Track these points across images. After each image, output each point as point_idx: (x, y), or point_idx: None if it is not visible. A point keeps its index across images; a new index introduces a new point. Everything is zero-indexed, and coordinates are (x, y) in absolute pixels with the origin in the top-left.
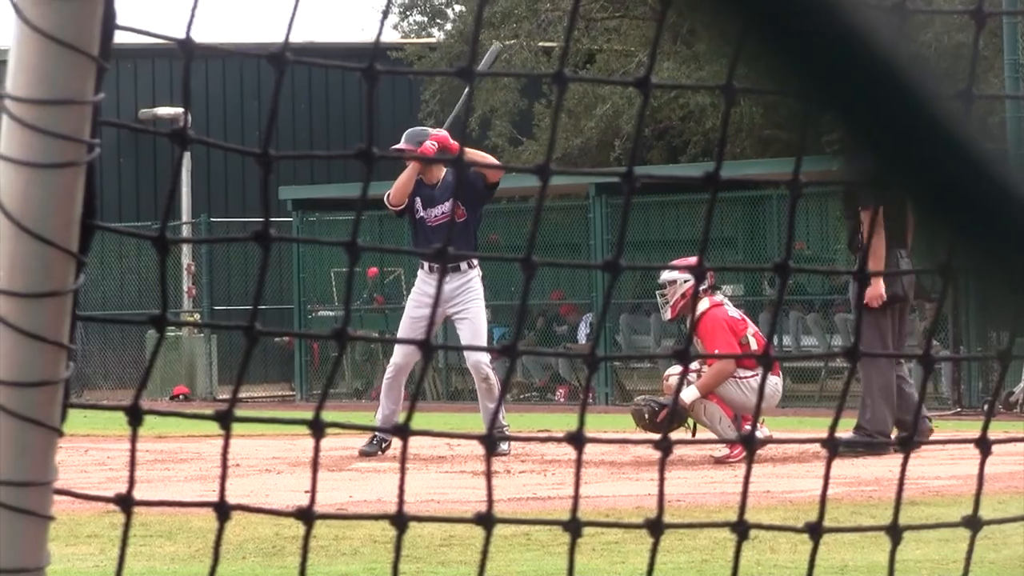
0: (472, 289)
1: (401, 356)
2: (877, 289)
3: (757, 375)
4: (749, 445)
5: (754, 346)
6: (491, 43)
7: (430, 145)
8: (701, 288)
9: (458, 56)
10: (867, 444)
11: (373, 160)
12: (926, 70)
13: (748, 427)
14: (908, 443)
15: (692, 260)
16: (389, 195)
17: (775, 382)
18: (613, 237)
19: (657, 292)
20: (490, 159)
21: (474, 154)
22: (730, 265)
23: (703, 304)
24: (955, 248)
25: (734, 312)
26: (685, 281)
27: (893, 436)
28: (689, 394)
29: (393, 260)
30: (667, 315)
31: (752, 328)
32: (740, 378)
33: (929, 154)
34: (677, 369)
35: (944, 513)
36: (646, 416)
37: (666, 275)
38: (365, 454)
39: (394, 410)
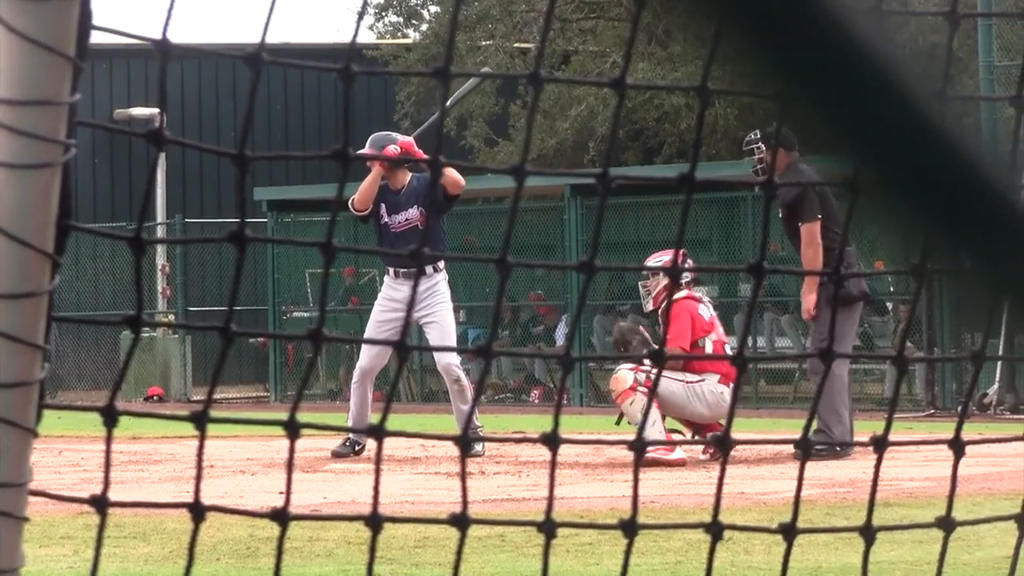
0: (439, 292)
1: (367, 360)
2: (808, 302)
3: (703, 381)
4: (723, 447)
5: (708, 349)
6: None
7: (393, 149)
8: (683, 280)
9: (434, 57)
10: (829, 445)
11: (349, 161)
12: (904, 68)
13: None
14: (882, 444)
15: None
16: (353, 200)
17: (721, 391)
18: (588, 238)
19: (640, 283)
20: (455, 173)
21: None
22: (705, 266)
23: (681, 293)
24: (930, 249)
25: (706, 312)
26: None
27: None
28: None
29: (367, 261)
30: (648, 306)
31: (716, 336)
32: (687, 382)
33: (906, 153)
34: (628, 366)
35: (918, 514)
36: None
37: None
38: (338, 455)
39: (364, 412)
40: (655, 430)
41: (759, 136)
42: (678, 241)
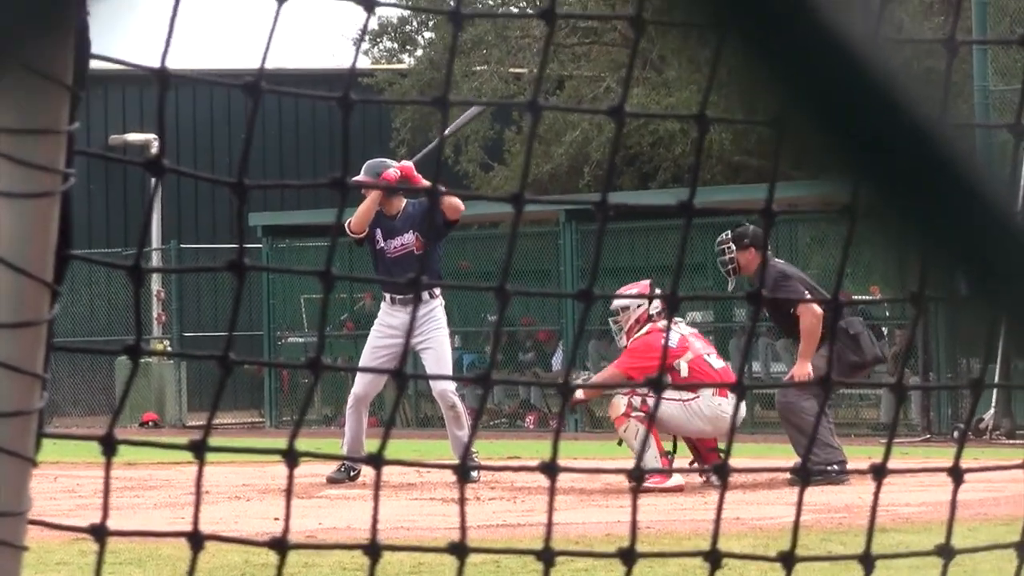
0: (435, 319)
1: (362, 387)
2: (804, 368)
3: (699, 397)
4: (722, 474)
5: (684, 373)
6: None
7: (393, 173)
8: (655, 312)
9: (429, 83)
10: (824, 473)
11: (347, 189)
12: (901, 92)
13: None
14: (882, 472)
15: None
16: (350, 223)
17: (719, 403)
18: (583, 263)
19: (611, 320)
20: (454, 198)
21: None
22: (701, 293)
23: (645, 328)
24: (927, 275)
25: (676, 337)
26: (638, 306)
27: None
28: (579, 393)
29: (363, 287)
30: (622, 341)
31: (693, 354)
32: (683, 401)
33: (903, 178)
34: (622, 391)
35: (914, 540)
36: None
37: (618, 302)
38: (333, 481)
39: (358, 438)
40: (651, 456)
41: (730, 236)
42: (677, 267)
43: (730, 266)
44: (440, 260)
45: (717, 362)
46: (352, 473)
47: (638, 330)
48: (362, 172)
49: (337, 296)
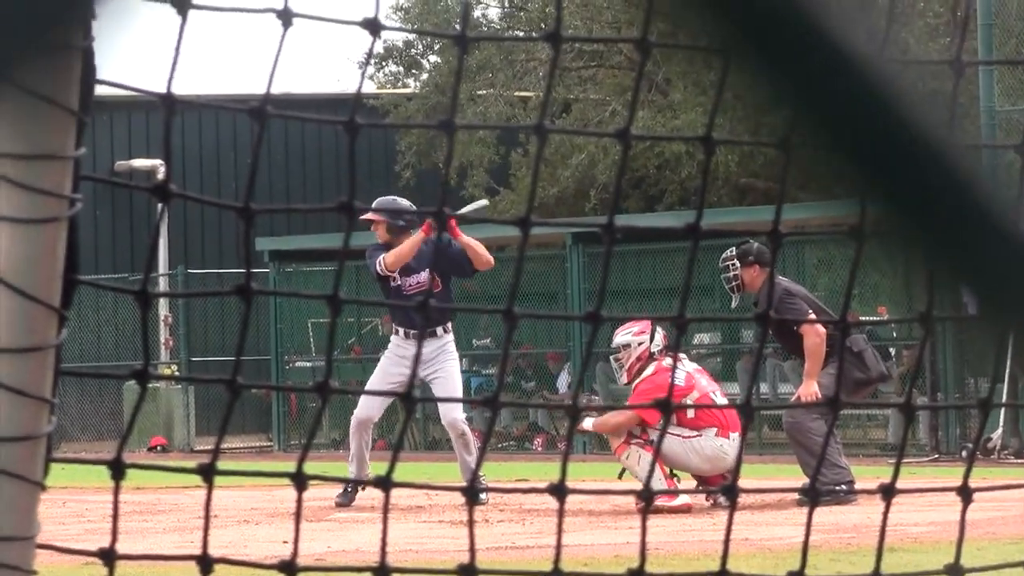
0: (448, 352)
1: (364, 411)
2: (809, 388)
3: (700, 435)
4: (730, 495)
5: (691, 413)
6: (467, 94)
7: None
8: (657, 350)
9: (434, 107)
10: (832, 493)
11: (354, 213)
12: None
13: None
14: (890, 493)
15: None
16: (385, 260)
17: (720, 444)
18: (590, 286)
19: (612, 358)
20: (486, 253)
21: (474, 245)
22: (708, 315)
23: (650, 368)
24: (935, 294)
25: (680, 375)
26: (639, 344)
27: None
28: (586, 423)
29: (370, 311)
30: (623, 379)
31: (699, 392)
32: (684, 437)
33: (911, 197)
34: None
35: (923, 560)
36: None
37: (619, 339)
38: (341, 505)
39: (363, 460)
40: (656, 478)
41: (734, 253)
42: (684, 289)
43: (734, 283)
44: (452, 300)
45: (721, 400)
46: (359, 488)
47: (639, 368)
48: (374, 208)
49: (345, 320)
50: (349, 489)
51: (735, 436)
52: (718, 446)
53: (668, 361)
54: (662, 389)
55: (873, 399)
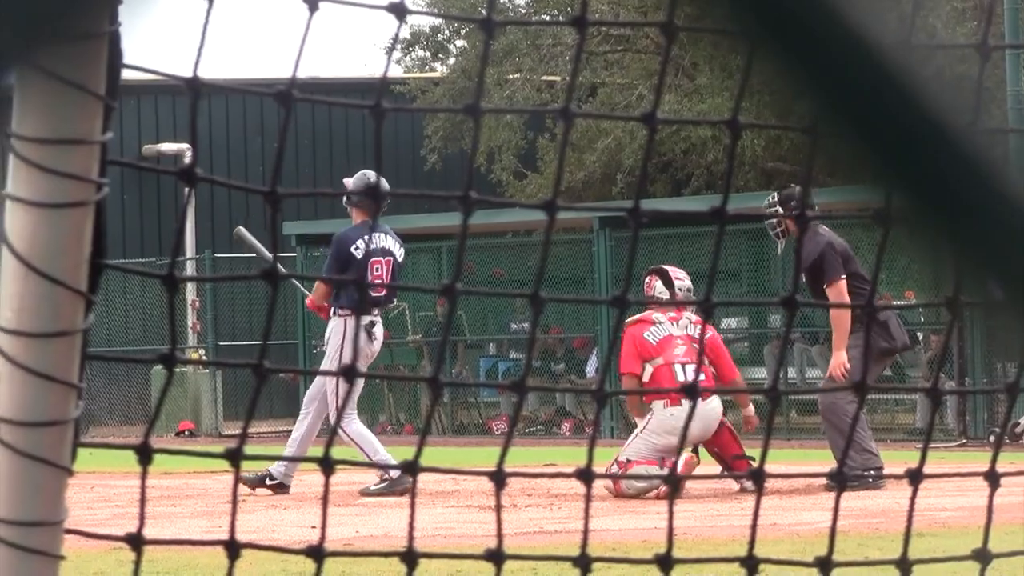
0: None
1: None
2: (839, 359)
3: (651, 417)
4: (757, 480)
5: (646, 377)
6: (494, 78)
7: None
8: (657, 293)
9: (461, 91)
10: (860, 478)
11: (380, 197)
12: (934, 98)
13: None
14: (918, 477)
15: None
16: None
17: (670, 414)
18: (617, 270)
19: None
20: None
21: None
22: (735, 299)
23: (634, 316)
24: (962, 280)
25: (655, 334)
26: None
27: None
28: None
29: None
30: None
31: (664, 359)
32: (640, 433)
33: (937, 184)
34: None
35: (951, 545)
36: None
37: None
38: (368, 493)
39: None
40: (644, 470)
41: (776, 199)
42: (711, 274)
43: (778, 228)
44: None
45: (690, 376)
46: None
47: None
48: (352, 184)
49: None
50: (384, 479)
51: (686, 403)
52: (668, 416)
53: (658, 315)
54: (633, 343)
55: (901, 384)
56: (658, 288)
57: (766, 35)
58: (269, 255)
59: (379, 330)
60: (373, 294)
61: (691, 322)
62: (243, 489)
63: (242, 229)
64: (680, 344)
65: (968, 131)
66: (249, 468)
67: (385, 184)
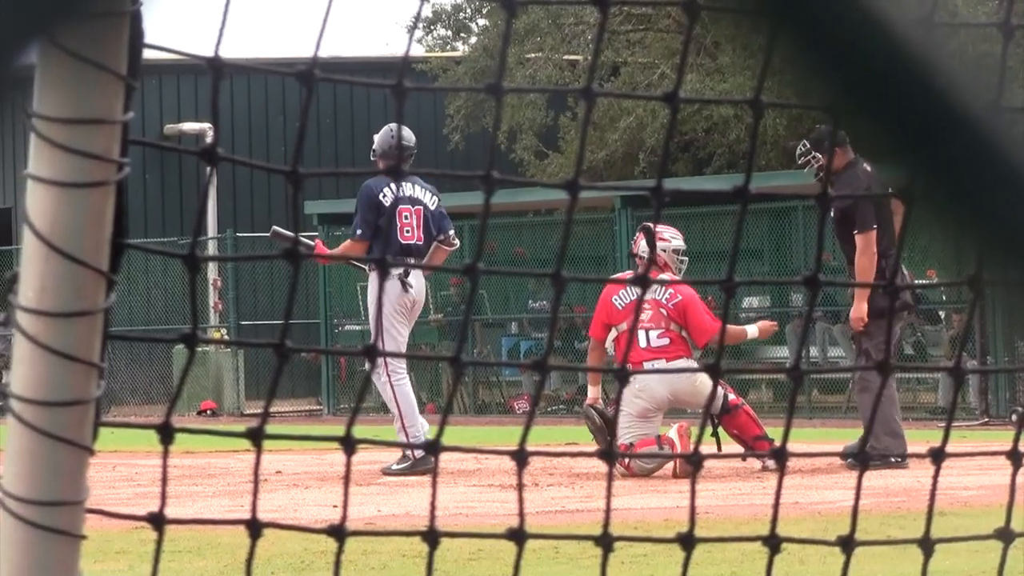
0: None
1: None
2: (859, 311)
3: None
4: (779, 459)
5: (611, 351)
6: (516, 57)
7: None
8: (642, 253)
9: (483, 70)
10: (883, 458)
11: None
12: (956, 77)
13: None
14: (940, 456)
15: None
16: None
17: (631, 380)
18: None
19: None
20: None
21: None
22: (757, 278)
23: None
24: (984, 259)
25: (623, 298)
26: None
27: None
28: None
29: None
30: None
31: (627, 325)
32: (620, 409)
33: (959, 163)
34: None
35: (973, 524)
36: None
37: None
38: (390, 472)
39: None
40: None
41: (809, 146)
42: (732, 253)
43: (822, 173)
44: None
45: (654, 341)
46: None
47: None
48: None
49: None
50: (405, 457)
51: (648, 364)
52: (633, 381)
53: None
54: (598, 316)
55: (922, 361)
56: (641, 247)
57: (786, 14)
58: (310, 243)
59: (417, 280)
60: (403, 241)
61: (663, 286)
62: (265, 468)
63: (276, 228)
64: (647, 309)
65: (990, 109)
66: (383, 458)
67: (409, 133)
